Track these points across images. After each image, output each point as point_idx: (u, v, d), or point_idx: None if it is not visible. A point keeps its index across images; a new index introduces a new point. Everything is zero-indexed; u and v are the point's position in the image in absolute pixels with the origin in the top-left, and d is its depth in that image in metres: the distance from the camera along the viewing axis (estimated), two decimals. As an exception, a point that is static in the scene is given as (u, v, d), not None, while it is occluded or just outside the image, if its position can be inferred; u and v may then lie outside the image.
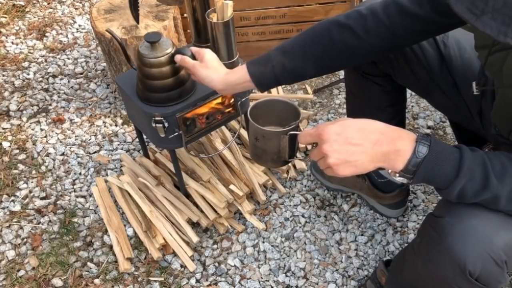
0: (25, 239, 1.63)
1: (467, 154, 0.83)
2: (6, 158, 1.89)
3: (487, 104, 1.13)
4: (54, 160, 1.88)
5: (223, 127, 1.78)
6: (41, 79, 2.23)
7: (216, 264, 1.53)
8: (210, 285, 1.49)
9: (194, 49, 1.24)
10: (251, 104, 1.05)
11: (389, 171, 0.86)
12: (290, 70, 1.09)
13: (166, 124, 1.37)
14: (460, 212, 0.88)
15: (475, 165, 0.82)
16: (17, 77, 2.25)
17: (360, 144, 0.82)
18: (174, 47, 1.32)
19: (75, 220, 1.67)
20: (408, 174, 0.83)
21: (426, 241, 0.94)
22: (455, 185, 0.83)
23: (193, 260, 1.53)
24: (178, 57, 1.24)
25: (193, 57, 1.23)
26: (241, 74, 1.12)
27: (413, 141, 0.83)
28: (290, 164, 1.76)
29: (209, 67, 1.17)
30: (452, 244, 0.86)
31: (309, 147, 0.91)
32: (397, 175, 0.85)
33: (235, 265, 1.53)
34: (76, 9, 2.68)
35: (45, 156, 1.89)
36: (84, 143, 1.94)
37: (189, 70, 1.23)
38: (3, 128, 2.01)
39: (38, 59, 2.35)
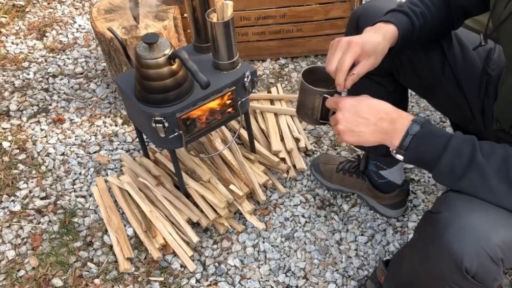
0: (25, 239, 1.63)
1: (458, 134, 0.90)
2: (6, 158, 1.89)
3: (489, 101, 1.13)
4: (54, 160, 1.88)
5: (223, 127, 1.78)
6: (41, 79, 2.23)
7: (216, 264, 1.53)
8: (210, 285, 1.49)
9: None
10: (307, 66, 1.23)
11: (390, 148, 0.96)
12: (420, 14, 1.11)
13: (166, 124, 1.37)
14: (458, 208, 0.88)
15: (464, 145, 0.88)
16: (17, 77, 2.25)
17: (366, 118, 0.95)
18: (172, 48, 1.32)
19: (75, 220, 1.67)
20: (402, 150, 0.93)
21: (424, 237, 0.95)
22: (443, 161, 0.88)
23: (193, 260, 1.53)
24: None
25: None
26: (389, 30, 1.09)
27: (410, 121, 0.93)
28: (290, 164, 1.76)
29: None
30: (449, 239, 0.86)
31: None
32: (394, 151, 0.95)
33: (235, 265, 1.53)
34: (76, 9, 2.68)
35: (45, 156, 1.89)
36: (84, 143, 1.94)
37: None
38: (3, 128, 2.01)
39: (38, 59, 2.35)
